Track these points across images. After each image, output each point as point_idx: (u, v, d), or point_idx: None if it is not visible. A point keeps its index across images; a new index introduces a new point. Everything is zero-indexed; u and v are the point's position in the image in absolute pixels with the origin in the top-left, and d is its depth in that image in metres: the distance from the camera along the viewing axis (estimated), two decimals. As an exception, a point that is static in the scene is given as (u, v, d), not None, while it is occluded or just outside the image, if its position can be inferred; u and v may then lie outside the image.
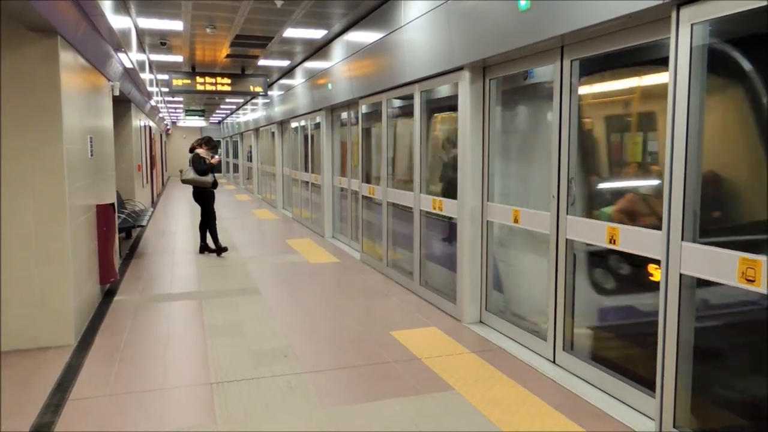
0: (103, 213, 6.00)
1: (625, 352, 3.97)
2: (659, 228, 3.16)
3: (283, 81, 13.35)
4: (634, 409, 3.54)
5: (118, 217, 8.04)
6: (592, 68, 3.99)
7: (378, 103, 7.45)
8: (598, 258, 4.04)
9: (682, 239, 2.99)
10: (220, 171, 31.38)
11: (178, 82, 11.52)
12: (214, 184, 8.65)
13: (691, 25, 2.90)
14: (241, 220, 13.13)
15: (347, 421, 3.42)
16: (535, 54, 4.35)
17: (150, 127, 17.05)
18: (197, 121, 28.64)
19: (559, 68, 4.07)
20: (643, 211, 3.66)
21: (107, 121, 7.05)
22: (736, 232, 2.99)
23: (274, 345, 4.72)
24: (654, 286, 3.25)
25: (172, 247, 9.43)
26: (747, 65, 2.91)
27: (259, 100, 17.08)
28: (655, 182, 3.63)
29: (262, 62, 11.50)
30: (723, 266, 2.78)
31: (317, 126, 10.89)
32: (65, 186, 4.66)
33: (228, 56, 10.77)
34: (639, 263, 3.51)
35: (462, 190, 5.28)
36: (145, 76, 10.49)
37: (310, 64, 10.60)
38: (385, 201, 7.30)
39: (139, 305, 5.96)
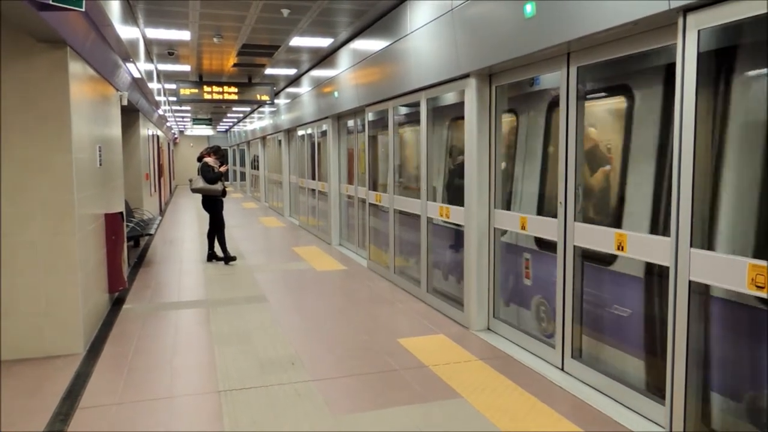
0: (112, 222, 6.03)
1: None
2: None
3: (290, 89, 13.42)
4: (643, 416, 3.51)
5: (127, 225, 8.09)
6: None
7: (384, 111, 7.47)
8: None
9: (691, 246, 2.98)
10: (227, 179, 31.51)
11: (186, 91, 11.60)
12: (223, 193, 8.70)
13: (698, 31, 2.90)
14: (248, 228, 13.17)
15: (355, 429, 3.41)
16: (541, 61, 4.35)
17: (158, 136, 17.15)
18: (205, 130, 28.83)
19: (566, 75, 4.08)
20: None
21: (115, 130, 7.10)
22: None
23: (281, 353, 4.72)
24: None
25: (180, 256, 9.47)
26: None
27: (266, 109, 17.17)
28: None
29: (268, 71, 11.57)
30: (732, 273, 2.76)
31: (324, 134, 10.93)
32: (74, 195, 4.69)
33: (235, 65, 10.84)
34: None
35: (469, 198, 5.28)
36: (153, 85, 10.57)
37: (317, 73, 10.65)
38: (392, 208, 7.30)
39: (147, 313, 5.98)
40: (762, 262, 2.63)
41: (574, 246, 4.06)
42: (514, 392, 3.90)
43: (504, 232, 5.16)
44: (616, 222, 3.89)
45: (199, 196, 8.94)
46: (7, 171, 4.52)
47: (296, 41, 8.66)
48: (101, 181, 5.84)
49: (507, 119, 5.24)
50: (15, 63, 4.47)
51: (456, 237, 5.90)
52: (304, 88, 11.79)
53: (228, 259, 8.66)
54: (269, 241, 11.48)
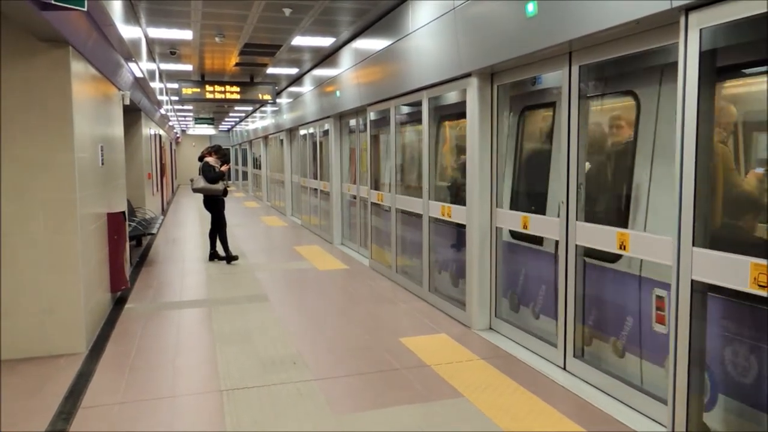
0: (114, 221, 6.04)
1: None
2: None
3: (292, 89, 13.42)
4: (645, 416, 3.51)
5: (129, 225, 8.10)
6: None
7: (386, 110, 7.47)
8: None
9: (693, 245, 2.97)
10: (230, 178, 31.51)
11: (188, 90, 11.60)
12: (225, 192, 8.70)
13: (700, 30, 2.89)
14: (250, 227, 13.18)
15: (356, 428, 3.41)
16: (543, 60, 4.35)
17: (160, 136, 17.17)
18: (207, 129, 28.79)
19: (567, 74, 4.07)
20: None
21: (118, 129, 7.11)
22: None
23: (282, 352, 4.72)
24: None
25: (182, 255, 9.48)
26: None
27: (268, 108, 17.17)
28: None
29: (270, 70, 11.56)
30: (734, 272, 2.76)
31: (325, 133, 10.93)
32: (76, 194, 4.69)
33: (237, 65, 10.84)
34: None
35: (470, 197, 5.27)
36: (155, 85, 10.58)
37: (319, 72, 10.65)
38: (394, 207, 7.30)
39: (149, 313, 5.99)
40: (763, 261, 2.62)
41: (576, 245, 4.06)
42: (516, 391, 3.90)
43: (618, 257, 3.87)
44: None
45: (200, 196, 8.95)
46: (9, 170, 4.52)
47: (298, 40, 8.66)
48: (103, 180, 5.84)
49: (625, 104, 4.08)
50: (17, 62, 4.48)
51: (458, 236, 5.89)
52: (306, 88, 11.79)
53: (230, 258, 8.66)
54: (271, 240, 11.48)
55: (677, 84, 3.04)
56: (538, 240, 4.75)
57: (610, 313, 4.08)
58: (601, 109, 4.27)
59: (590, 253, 4.07)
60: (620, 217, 3.94)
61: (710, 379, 3.22)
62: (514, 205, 5.14)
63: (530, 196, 5.04)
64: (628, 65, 3.88)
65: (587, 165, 4.21)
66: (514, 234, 5.14)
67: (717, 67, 3.05)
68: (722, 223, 3.23)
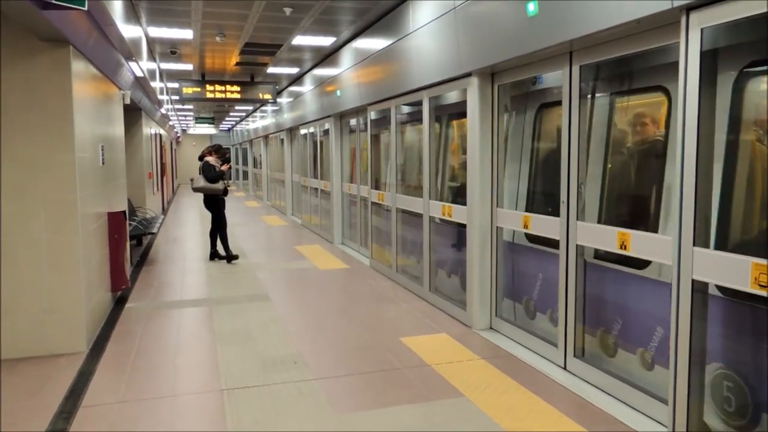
0: (114, 220, 6.04)
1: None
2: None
3: (292, 88, 13.41)
4: (646, 415, 3.51)
5: (129, 224, 8.10)
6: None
7: (386, 110, 7.46)
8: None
9: (694, 244, 2.97)
10: (230, 177, 31.44)
11: (189, 90, 11.59)
12: (225, 191, 8.70)
13: (701, 29, 2.89)
14: (250, 227, 13.18)
15: (357, 428, 3.41)
16: (544, 60, 4.34)
17: (160, 135, 17.17)
18: (207, 129, 28.81)
19: (568, 74, 4.07)
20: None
21: (118, 129, 7.11)
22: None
23: (283, 352, 4.73)
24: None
25: (182, 254, 9.48)
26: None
27: (269, 108, 17.17)
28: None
29: (271, 70, 11.56)
30: (735, 271, 2.76)
31: (326, 133, 10.93)
32: (77, 194, 4.69)
33: (237, 64, 10.84)
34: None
35: (471, 196, 5.27)
36: (156, 84, 10.57)
37: (319, 71, 10.65)
38: (394, 207, 7.30)
39: (150, 312, 5.99)
40: (764, 261, 2.62)
41: (577, 245, 4.06)
42: (517, 391, 3.90)
43: (646, 263, 3.64)
44: None
45: (201, 195, 8.96)
46: (10, 170, 4.53)
47: (298, 40, 8.66)
48: (104, 179, 5.84)
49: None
50: (17, 62, 4.48)
51: (458, 236, 5.89)
52: (307, 87, 11.79)
53: (230, 257, 8.66)
54: (271, 239, 11.48)
55: (678, 84, 3.04)
56: (556, 243, 4.33)
57: (637, 322, 3.84)
58: (627, 106, 4.06)
59: (617, 259, 3.87)
60: (648, 221, 3.75)
61: (750, 394, 2.97)
62: (530, 207, 5.00)
63: (546, 196, 4.82)
64: (656, 58, 3.64)
65: (608, 165, 4.09)
66: (530, 237, 4.97)
67: (755, 61, 2.98)
68: (761, 227, 3.05)
